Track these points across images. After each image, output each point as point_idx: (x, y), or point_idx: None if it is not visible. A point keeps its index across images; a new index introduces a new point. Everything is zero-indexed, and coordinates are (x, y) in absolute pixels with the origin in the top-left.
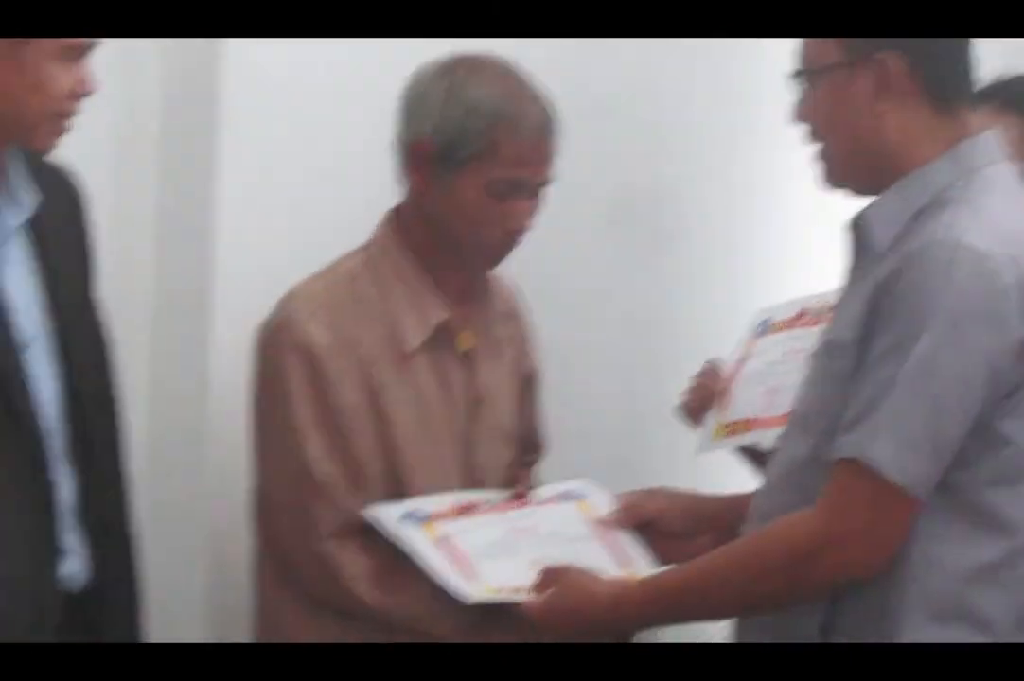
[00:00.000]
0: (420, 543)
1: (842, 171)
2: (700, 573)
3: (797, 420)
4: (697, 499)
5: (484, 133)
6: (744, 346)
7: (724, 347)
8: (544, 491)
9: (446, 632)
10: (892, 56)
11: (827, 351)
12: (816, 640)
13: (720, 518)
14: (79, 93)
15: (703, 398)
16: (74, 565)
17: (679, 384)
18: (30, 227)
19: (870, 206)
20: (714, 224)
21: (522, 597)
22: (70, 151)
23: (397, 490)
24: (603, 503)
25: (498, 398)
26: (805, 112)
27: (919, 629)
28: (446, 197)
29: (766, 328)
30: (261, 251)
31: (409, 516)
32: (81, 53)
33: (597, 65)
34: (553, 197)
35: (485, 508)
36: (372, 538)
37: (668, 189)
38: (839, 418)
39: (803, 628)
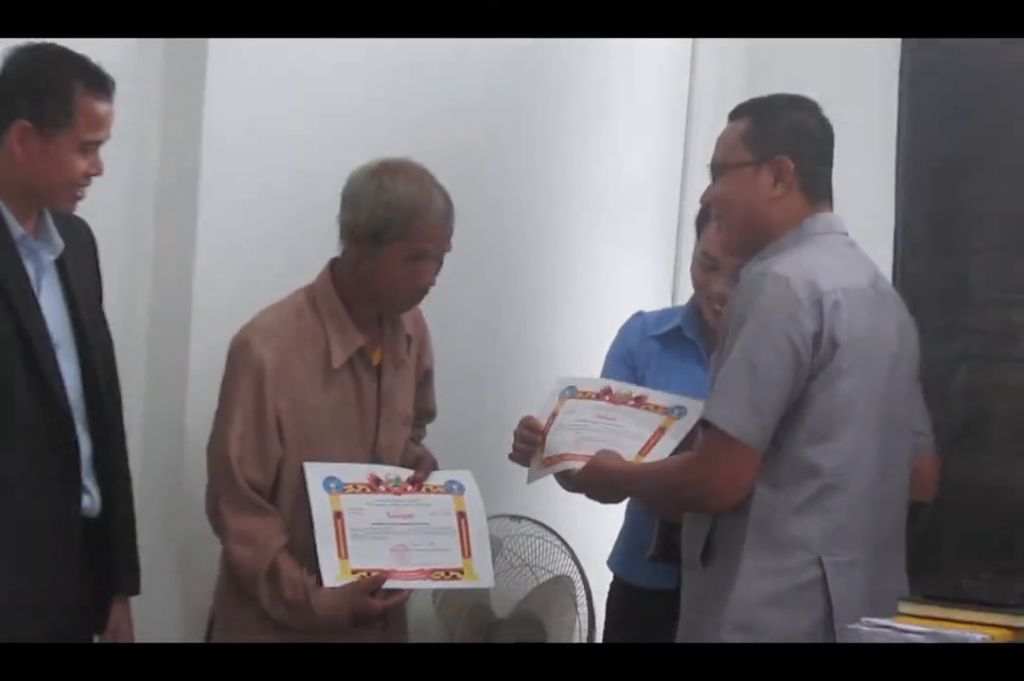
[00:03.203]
0: (321, 513)
1: (734, 238)
2: (653, 471)
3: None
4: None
5: (403, 222)
6: (553, 405)
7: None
8: (435, 477)
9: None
10: (787, 158)
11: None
12: (696, 562)
13: None
14: (91, 173)
15: (528, 446)
16: (90, 500)
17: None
18: (57, 262)
19: (744, 268)
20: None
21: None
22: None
23: None
24: (475, 498)
25: (399, 395)
26: (712, 193)
27: (758, 555)
28: (375, 265)
29: (573, 393)
30: (229, 284)
31: (329, 481)
32: (95, 147)
33: None
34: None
35: (386, 487)
36: (250, 506)
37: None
38: None
39: (695, 542)
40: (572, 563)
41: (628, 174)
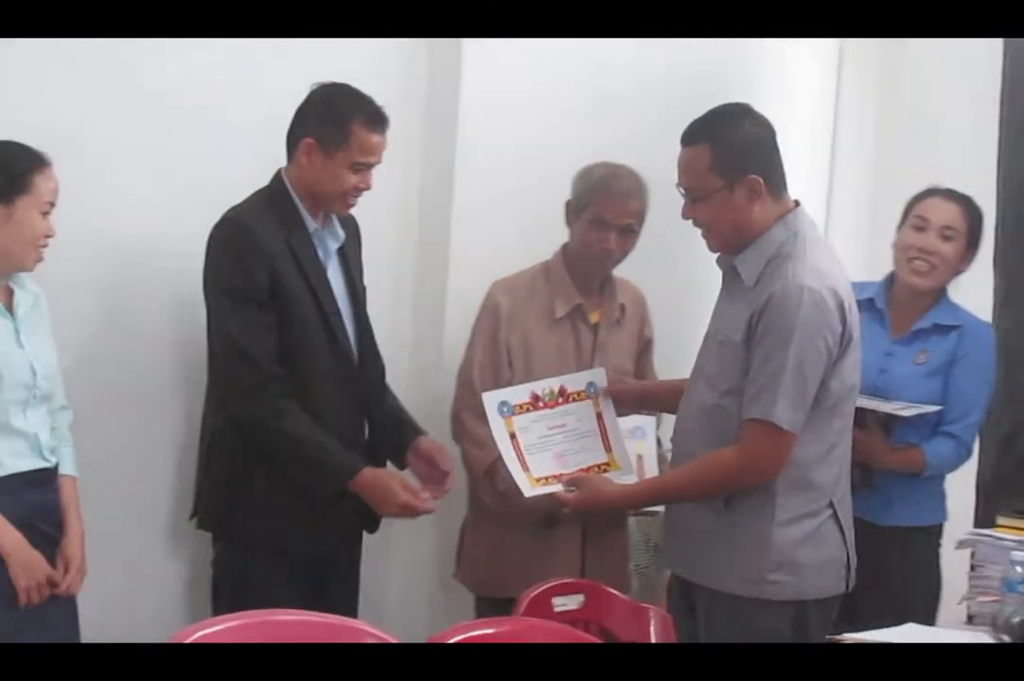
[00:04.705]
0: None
1: (723, 245)
2: (671, 483)
3: (702, 380)
4: (642, 385)
5: (590, 192)
6: (503, 425)
7: None
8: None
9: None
10: (755, 175)
11: (720, 345)
12: (721, 508)
13: (657, 399)
14: (360, 188)
15: None
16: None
17: None
18: (339, 248)
19: (737, 257)
20: None
21: (558, 488)
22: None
23: None
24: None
25: (611, 348)
26: (695, 215)
27: (789, 503)
28: (576, 231)
29: (511, 409)
30: (477, 263)
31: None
32: (365, 167)
33: None
34: None
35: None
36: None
37: None
38: (731, 380)
39: (715, 502)
40: None
41: None
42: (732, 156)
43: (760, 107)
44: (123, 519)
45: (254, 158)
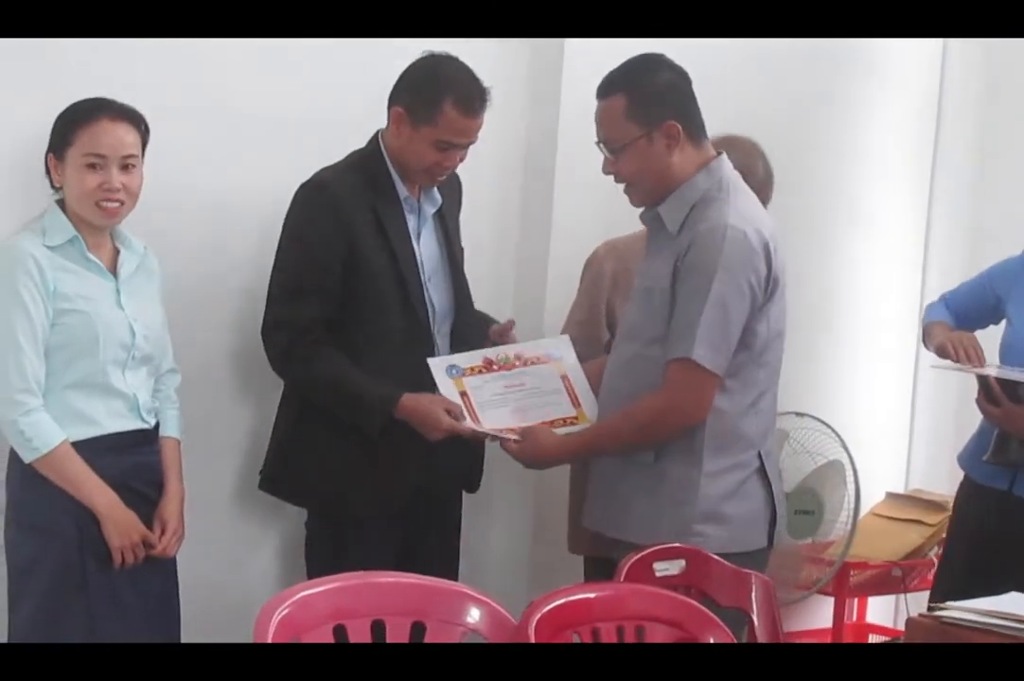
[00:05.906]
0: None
1: (646, 197)
2: (603, 431)
3: (625, 334)
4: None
5: None
6: (451, 385)
7: None
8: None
9: None
10: (672, 121)
11: (647, 293)
12: (651, 461)
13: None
14: (446, 166)
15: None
16: None
17: None
18: (437, 212)
19: (661, 206)
20: None
21: (508, 436)
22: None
23: None
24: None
25: None
26: (616, 169)
27: (716, 455)
28: None
29: (460, 371)
30: (581, 221)
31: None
32: (451, 147)
33: None
34: None
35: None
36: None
37: None
38: (655, 328)
39: (644, 456)
40: (843, 450)
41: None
42: (648, 103)
43: (869, 103)
44: (221, 481)
45: (344, 123)
